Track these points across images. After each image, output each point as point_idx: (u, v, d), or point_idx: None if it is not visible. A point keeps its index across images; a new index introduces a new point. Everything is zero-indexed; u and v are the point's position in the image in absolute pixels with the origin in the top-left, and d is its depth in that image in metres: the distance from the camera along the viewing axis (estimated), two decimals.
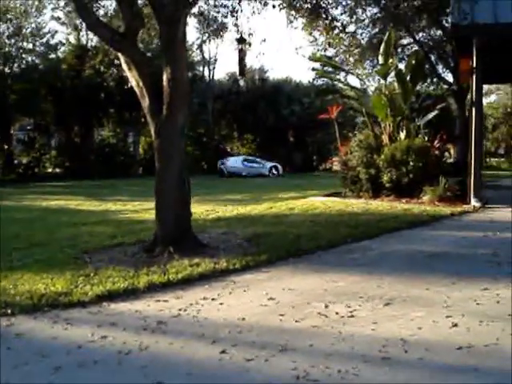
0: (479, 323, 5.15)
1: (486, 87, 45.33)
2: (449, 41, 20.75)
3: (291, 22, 14.69)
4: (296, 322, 5.36)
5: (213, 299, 6.18)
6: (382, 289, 6.37)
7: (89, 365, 4.48)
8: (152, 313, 5.76)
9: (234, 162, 33.29)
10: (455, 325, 5.11)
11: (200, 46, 35.34)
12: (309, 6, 10.25)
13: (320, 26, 12.51)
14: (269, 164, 33.22)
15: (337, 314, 5.53)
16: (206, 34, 21.77)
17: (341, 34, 14.89)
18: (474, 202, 12.85)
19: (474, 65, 13.12)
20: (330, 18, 11.31)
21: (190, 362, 4.52)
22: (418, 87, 19.68)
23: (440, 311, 5.50)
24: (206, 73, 38.94)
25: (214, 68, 38.34)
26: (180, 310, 5.83)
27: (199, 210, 12.96)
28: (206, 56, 38.52)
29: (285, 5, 10.92)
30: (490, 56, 13.53)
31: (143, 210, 14.42)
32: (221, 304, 6.01)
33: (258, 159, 34.16)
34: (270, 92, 38.40)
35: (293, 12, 12.84)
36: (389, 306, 5.74)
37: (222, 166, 33.39)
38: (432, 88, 27.80)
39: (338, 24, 13.19)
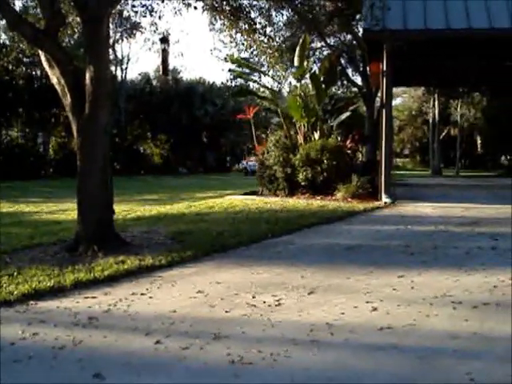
0: (397, 307, 5.54)
1: (393, 90, 47.29)
2: (358, 45, 21.59)
3: (213, 23, 14.90)
4: (226, 312, 5.56)
5: (142, 294, 6.26)
6: (305, 279, 6.69)
7: (24, 360, 4.47)
8: (82, 309, 5.77)
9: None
10: (375, 309, 5.49)
11: (112, 46, 34.81)
12: (230, 8, 10.48)
13: (241, 28, 12.79)
14: None
15: (264, 303, 5.78)
16: (119, 34, 21.46)
17: (261, 37, 15.26)
18: (384, 199, 13.54)
19: (384, 68, 13.82)
20: (250, 20, 11.60)
21: (126, 353, 4.61)
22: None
23: (360, 297, 5.87)
24: (119, 73, 38.41)
25: (126, 68, 37.86)
26: (110, 305, 5.87)
27: (117, 209, 12.77)
28: (119, 55, 38.00)
29: (207, 7, 11.11)
30: (398, 60, 14.29)
31: (58, 211, 14.18)
32: (150, 298, 6.10)
33: None
34: (183, 92, 38.37)
35: (215, 14, 13.06)
36: (313, 295, 6.05)
37: (246, 166, 36.31)
38: (341, 91, 28.77)
39: (259, 26, 13.54)
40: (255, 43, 15.19)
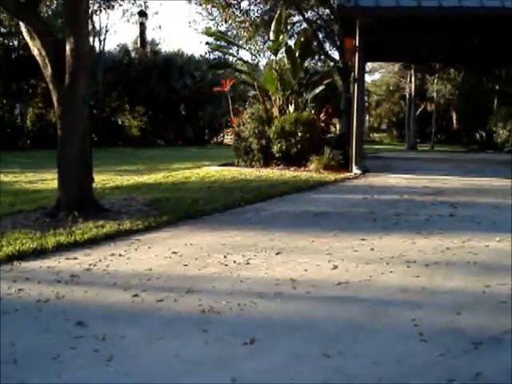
0: (356, 265, 6.05)
1: (370, 65, 47.73)
2: (335, 20, 21.89)
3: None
4: (199, 270, 6.01)
5: (120, 255, 6.68)
6: (274, 242, 7.17)
7: (11, 312, 4.85)
8: (64, 268, 6.17)
9: None
10: (336, 267, 5.99)
11: (90, 17, 34.57)
12: None
13: (217, 2, 13.05)
14: None
15: (234, 262, 6.25)
16: (97, 5, 21.49)
17: (236, 12, 15.51)
18: (355, 170, 14.07)
19: (357, 43, 14.22)
20: None
21: (106, 305, 5.04)
22: (306, 63, 20.72)
23: (323, 257, 6.36)
24: (97, 44, 38.17)
25: (104, 39, 37.56)
26: (90, 264, 6.28)
27: (96, 179, 13.04)
28: (97, 27, 37.72)
29: None
30: (372, 36, 14.69)
31: (37, 180, 14.41)
32: (128, 258, 6.53)
33: None
34: (161, 65, 38.25)
35: None
36: (279, 255, 6.53)
37: None
38: (320, 65, 29.08)
39: (234, 2, 13.78)
40: (230, 18, 15.45)
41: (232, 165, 16.25)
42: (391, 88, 52.23)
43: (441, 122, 48.14)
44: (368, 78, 57.97)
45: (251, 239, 7.35)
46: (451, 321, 4.53)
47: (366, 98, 57.27)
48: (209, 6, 14.81)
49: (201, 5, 16.06)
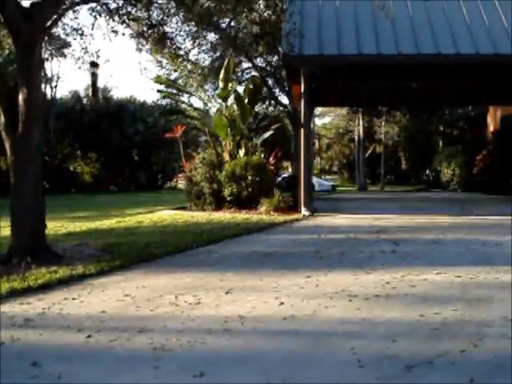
0: (301, 301, 6.38)
1: (320, 109, 49.08)
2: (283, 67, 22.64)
3: (140, 49, 15.61)
4: (151, 310, 6.23)
5: (73, 299, 6.83)
6: (224, 281, 7.46)
7: None
8: (18, 313, 6.28)
9: None
10: (282, 303, 6.31)
11: (42, 65, 34.74)
12: (156, 35, 11.21)
13: (166, 53, 13.56)
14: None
15: (186, 302, 6.49)
16: (49, 52, 21.76)
17: (184, 62, 16.05)
18: (304, 211, 14.53)
19: (302, 90, 14.87)
20: (175, 46, 12.38)
21: (60, 346, 5.21)
22: (256, 109, 21.36)
23: (270, 295, 6.68)
24: (49, 91, 38.23)
25: (56, 86, 37.66)
26: (44, 308, 6.42)
27: (49, 226, 13.11)
28: (49, 74, 37.84)
29: (134, 34, 11.83)
30: (317, 82, 15.37)
31: None
32: (81, 302, 6.69)
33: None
34: (114, 111, 38.54)
35: (141, 40, 13.79)
36: (229, 294, 6.81)
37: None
38: (271, 109, 29.83)
39: (182, 52, 14.30)
40: (179, 68, 15.96)
41: (184, 209, 16.51)
42: (341, 131, 53.70)
43: (390, 163, 49.61)
44: (318, 122, 59.59)
45: (202, 280, 7.61)
46: (387, 348, 4.88)
47: (316, 141, 58.80)
48: (158, 57, 15.30)
49: (151, 54, 16.59)
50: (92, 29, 10.67)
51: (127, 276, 8.08)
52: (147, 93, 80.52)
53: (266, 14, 17.62)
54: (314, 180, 38.67)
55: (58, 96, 39.66)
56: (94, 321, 5.89)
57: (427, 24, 15.68)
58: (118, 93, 42.85)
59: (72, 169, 39.41)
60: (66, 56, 24.43)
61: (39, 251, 8.85)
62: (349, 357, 4.69)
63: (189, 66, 16.79)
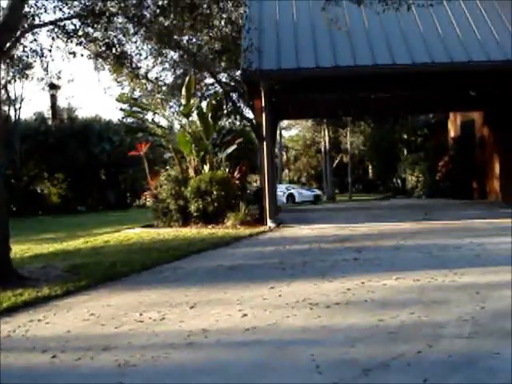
0: (264, 312, 6.52)
1: (286, 122, 49.55)
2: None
3: (98, 69, 15.70)
4: (115, 328, 6.30)
5: (39, 320, 6.87)
6: (188, 296, 7.56)
7: None
8: None
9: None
10: (245, 315, 6.44)
11: (5, 86, 34.44)
12: (114, 55, 11.30)
13: (125, 73, 13.66)
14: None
15: (150, 318, 6.58)
16: (11, 74, 21.62)
17: (143, 81, 16.17)
18: (269, 224, 14.70)
19: (263, 104, 15.09)
20: (134, 66, 12.49)
21: (25, 367, 5.27)
22: (221, 123, 21.53)
23: (234, 307, 6.80)
24: (12, 113, 37.88)
25: (20, 108, 37.33)
26: (9, 331, 6.44)
27: (15, 249, 13.07)
28: (12, 95, 37.51)
29: (92, 55, 11.91)
30: (277, 96, 15.62)
31: None
32: (47, 323, 6.73)
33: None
34: (79, 130, 38.33)
35: (100, 61, 13.88)
36: (193, 309, 6.92)
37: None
38: (238, 124, 30.02)
39: (142, 71, 14.43)
40: (139, 87, 16.08)
41: (152, 226, 16.52)
42: (308, 142, 54.27)
43: (357, 172, 50.27)
44: (286, 134, 60.13)
45: (167, 296, 7.70)
46: (346, 353, 5.04)
47: (284, 153, 59.21)
48: (117, 77, 15.41)
49: (111, 74, 16.69)
50: (50, 51, 10.72)
51: (93, 295, 8.12)
52: (112, 111, 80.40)
53: (226, 30, 17.85)
54: (294, 190, 39.23)
55: (23, 118, 39.35)
56: (59, 341, 5.95)
57: (383, 35, 16.07)
58: (84, 112, 42.71)
59: (39, 190, 39.07)
60: (28, 77, 24.41)
61: (4, 274, 8.84)
62: (308, 363, 4.84)
63: (149, 86, 16.92)
